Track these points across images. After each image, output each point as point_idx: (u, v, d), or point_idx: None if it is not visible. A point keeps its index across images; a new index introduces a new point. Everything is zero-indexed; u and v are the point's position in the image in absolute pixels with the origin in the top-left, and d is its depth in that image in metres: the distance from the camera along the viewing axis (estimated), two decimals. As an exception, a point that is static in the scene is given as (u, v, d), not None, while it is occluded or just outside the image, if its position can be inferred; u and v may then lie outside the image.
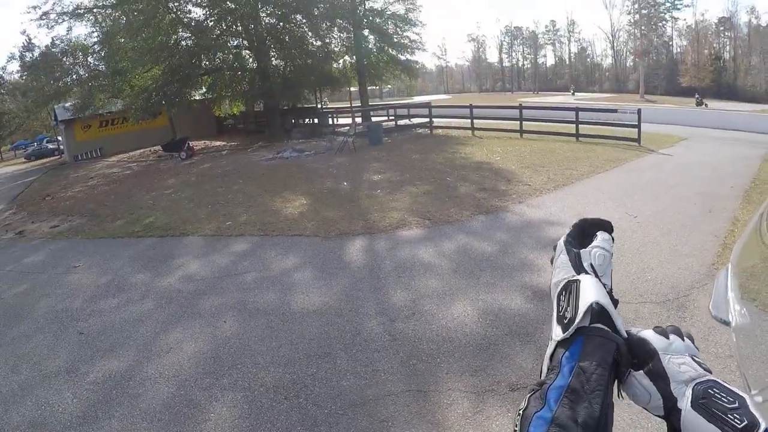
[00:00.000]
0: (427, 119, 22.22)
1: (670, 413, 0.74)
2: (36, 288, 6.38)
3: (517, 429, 0.75)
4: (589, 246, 0.93)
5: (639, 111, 14.87)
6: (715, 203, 7.54)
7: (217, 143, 25.16)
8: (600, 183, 10.03)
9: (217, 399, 4.05)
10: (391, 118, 25.61)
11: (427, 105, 24.32)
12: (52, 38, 36.11)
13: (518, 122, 17.70)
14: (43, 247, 7.90)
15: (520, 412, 0.76)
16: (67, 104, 28.56)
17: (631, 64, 70.14)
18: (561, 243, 0.97)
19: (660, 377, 0.76)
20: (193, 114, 28.64)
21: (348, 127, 20.95)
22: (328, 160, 13.73)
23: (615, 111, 18.02)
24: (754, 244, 1.49)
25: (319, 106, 30.63)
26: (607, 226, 0.96)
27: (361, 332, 4.83)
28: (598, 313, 0.80)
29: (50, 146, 41.61)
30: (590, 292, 0.81)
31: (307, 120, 28.95)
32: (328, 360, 4.44)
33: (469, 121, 19.64)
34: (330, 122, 27.53)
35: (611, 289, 0.88)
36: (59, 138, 37.52)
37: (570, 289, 0.86)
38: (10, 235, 9.20)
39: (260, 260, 6.66)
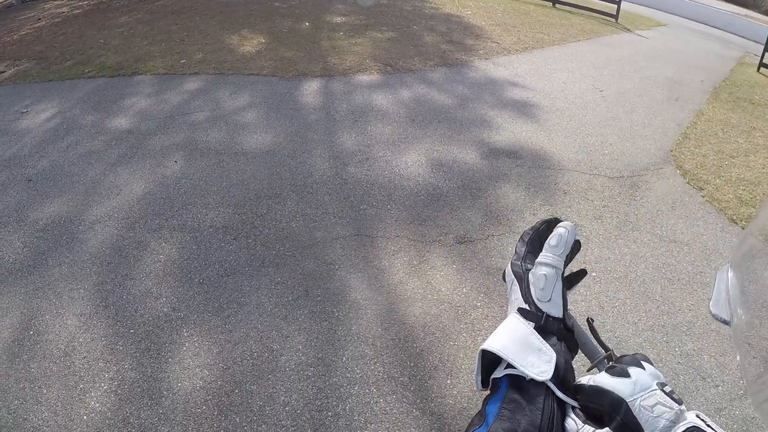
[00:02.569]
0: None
1: None
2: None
3: None
4: (536, 262, 0.87)
5: (622, -16, 14.27)
6: (683, 93, 7.36)
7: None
8: (571, 52, 9.70)
9: (166, 240, 4.04)
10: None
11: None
12: None
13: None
14: (-10, 92, 7.54)
15: None
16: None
17: None
18: (509, 272, 0.93)
19: (636, 430, 0.66)
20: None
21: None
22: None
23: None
24: (754, 242, 1.39)
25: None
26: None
27: (313, 174, 4.77)
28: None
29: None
30: (498, 333, 0.80)
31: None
32: (278, 201, 4.41)
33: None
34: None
35: (564, 308, 0.85)
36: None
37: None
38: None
39: (214, 99, 6.43)
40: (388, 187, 4.62)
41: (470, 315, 3.36)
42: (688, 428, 0.64)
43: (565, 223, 0.87)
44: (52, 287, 3.67)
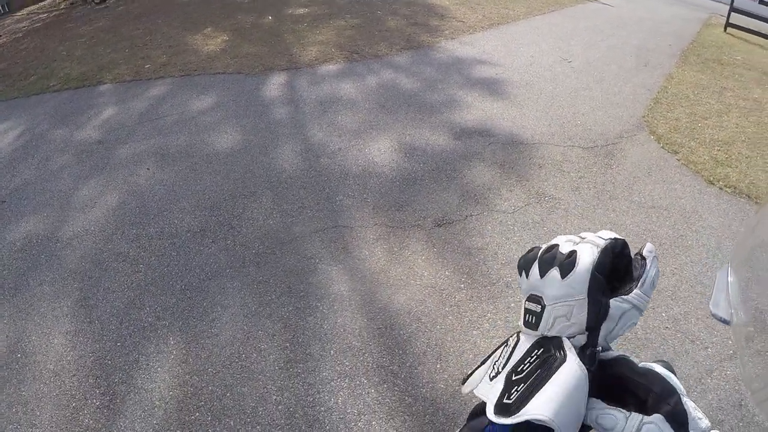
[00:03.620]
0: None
1: None
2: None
3: None
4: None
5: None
6: (652, 58, 7.38)
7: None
8: (537, 25, 9.63)
9: (145, 249, 4.03)
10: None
11: None
12: None
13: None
14: (-47, 118, 7.42)
15: None
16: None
17: None
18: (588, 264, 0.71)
19: (682, 424, 0.64)
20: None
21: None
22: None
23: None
24: (753, 243, 1.41)
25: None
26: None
27: (287, 169, 4.77)
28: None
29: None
30: (553, 393, 0.64)
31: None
32: (253, 199, 4.42)
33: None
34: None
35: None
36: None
37: (545, 361, 0.69)
38: None
39: (181, 102, 6.38)
40: (362, 175, 4.63)
41: (455, 297, 3.39)
42: None
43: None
44: (35, 307, 3.66)
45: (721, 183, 4.42)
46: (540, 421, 0.62)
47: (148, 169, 5.03)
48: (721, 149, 4.93)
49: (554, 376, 0.65)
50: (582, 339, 0.71)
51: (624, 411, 0.66)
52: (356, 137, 5.24)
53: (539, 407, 0.63)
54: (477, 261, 3.67)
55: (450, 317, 3.24)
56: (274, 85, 6.63)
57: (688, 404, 0.66)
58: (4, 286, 3.90)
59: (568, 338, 0.71)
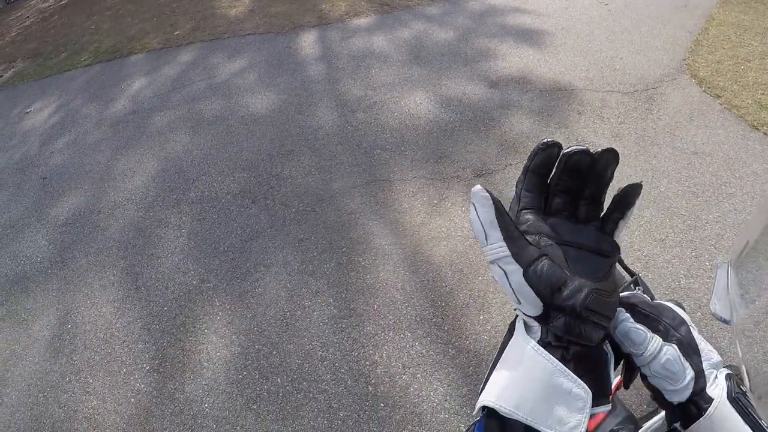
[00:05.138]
0: None
1: (693, 398, 0.61)
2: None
3: None
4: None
5: None
6: None
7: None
8: None
9: (186, 214, 4.03)
10: None
11: None
12: None
13: None
14: (-10, 100, 7.52)
15: None
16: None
17: None
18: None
19: (693, 351, 0.62)
20: None
21: None
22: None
23: None
24: (754, 240, 1.31)
25: None
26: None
27: (323, 126, 4.68)
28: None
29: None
30: (498, 375, 0.58)
31: None
32: (291, 158, 4.35)
33: None
34: None
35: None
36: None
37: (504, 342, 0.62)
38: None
39: (213, 66, 6.31)
40: (399, 128, 4.51)
41: (498, 245, 3.28)
42: (733, 373, 0.63)
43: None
44: (82, 279, 3.70)
45: (765, 128, 4.15)
46: (492, 407, 0.56)
47: (184, 134, 5.01)
48: (765, 93, 4.63)
49: (501, 358, 0.60)
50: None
51: (647, 331, 0.62)
52: (391, 90, 5.10)
53: (485, 393, 0.57)
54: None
55: (493, 267, 3.15)
56: (305, 42, 6.50)
57: (698, 337, 0.64)
58: (52, 260, 3.95)
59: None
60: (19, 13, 12.15)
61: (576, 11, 6.37)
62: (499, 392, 0.56)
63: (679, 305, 0.69)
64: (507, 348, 0.60)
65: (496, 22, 6.35)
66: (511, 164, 3.95)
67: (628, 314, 0.64)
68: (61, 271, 3.83)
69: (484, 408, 0.58)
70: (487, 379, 0.61)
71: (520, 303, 0.57)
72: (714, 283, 1.36)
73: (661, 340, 0.62)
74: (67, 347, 3.23)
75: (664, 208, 3.38)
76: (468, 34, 6.12)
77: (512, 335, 0.61)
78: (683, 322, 0.64)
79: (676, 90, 4.59)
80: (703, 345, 0.63)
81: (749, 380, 0.88)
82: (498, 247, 0.58)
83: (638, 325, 0.63)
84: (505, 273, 0.57)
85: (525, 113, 4.49)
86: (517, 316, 0.62)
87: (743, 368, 0.88)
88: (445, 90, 4.97)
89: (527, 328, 0.59)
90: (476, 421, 0.64)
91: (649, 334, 0.62)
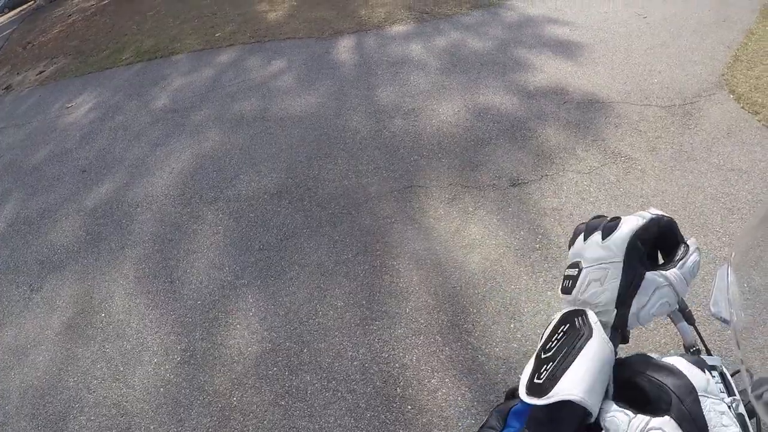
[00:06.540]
0: None
1: None
2: (32, 136, 6.21)
3: None
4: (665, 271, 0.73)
5: None
6: (731, 13, 6.82)
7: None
8: None
9: (222, 211, 4.06)
10: None
11: None
12: None
13: None
14: (33, 95, 7.59)
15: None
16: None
17: None
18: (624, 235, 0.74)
19: (700, 429, 0.59)
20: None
21: None
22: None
23: None
24: (754, 240, 1.30)
25: None
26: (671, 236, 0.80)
27: (361, 131, 4.69)
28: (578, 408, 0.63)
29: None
30: (581, 371, 0.63)
31: None
32: (329, 161, 4.36)
33: None
34: None
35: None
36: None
37: (571, 337, 0.67)
38: (-2, 93, 8.91)
39: (253, 68, 6.38)
40: (436, 135, 4.50)
41: (530, 257, 3.24)
42: None
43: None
44: (118, 269, 3.75)
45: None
46: (572, 400, 0.61)
47: (223, 134, 5.06)
48: (803, 112, 4.55)
49: (582, 353, 0.64)
50: (611, 317, 0.70)
51: (630, 413, 0.62)
52: (428, 98, 5.10)
53: (569, 387, 0.62)
54: (552, 221, 3.50)
55: (524, 277, 3.10)
56: (344, 48, 6.54)
57: (712, 406, 0.60)
58: (88, 250, 4.01)
59: (597, 313, 0.69)
60: (62, 11, 12.42)
61: (614, 24, 6.32)
62: (586, 388, 0.62)
63: (699, 361, 0.68)
64: (589, 344, 0.66)
65: (534, 32, 6.32)
66: (547, 175, 3.91)
67: (609, 401, 0.65)
68: (96, 261, 3.88)
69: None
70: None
71: None
72: (713, 283, 1.34)
73: (646, 420, 0.59)
74: (100, 335, 3.27)
75: (699, 224, 3.32)
76: (505, 44, 6.10)
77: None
78: (690, 390, 0.61)
79: (713, 105, 4.52)
80: (717, 418, 0.60)
81: (749, 380, 0.86)
82: None
83: (614, 413, 0.62)
84: None
85: (562, 124, 4.45)
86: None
87: (743, 368, 0.85)
88: (482, 99, 4.95)
89: None
90: (512, 407, 0.69)
91: (626, 418, 0.61)
